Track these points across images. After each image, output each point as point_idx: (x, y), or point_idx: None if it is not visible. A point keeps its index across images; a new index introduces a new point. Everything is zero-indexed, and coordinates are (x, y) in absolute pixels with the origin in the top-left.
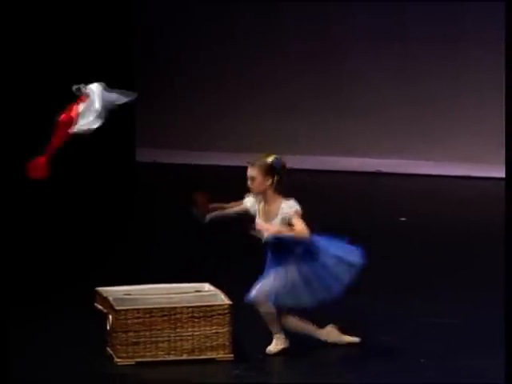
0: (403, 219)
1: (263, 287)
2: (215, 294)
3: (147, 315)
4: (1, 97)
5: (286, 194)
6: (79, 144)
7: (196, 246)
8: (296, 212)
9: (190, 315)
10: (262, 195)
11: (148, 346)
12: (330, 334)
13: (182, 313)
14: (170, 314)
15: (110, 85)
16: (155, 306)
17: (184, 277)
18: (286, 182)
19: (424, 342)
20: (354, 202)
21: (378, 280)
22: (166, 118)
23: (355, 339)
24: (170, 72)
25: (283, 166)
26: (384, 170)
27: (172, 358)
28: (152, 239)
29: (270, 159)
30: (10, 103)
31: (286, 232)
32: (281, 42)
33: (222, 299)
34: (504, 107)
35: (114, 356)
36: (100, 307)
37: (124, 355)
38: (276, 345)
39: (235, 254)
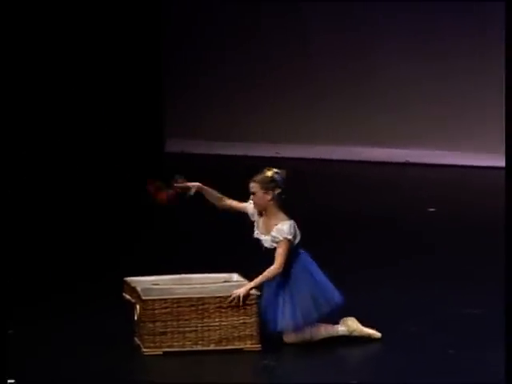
0: (432, 209)
1: (286, 319)
2: (243, 284)
3: (175, 305)
4: (27, 93)
5: (290, 212)
6: (109, 135)
7: (225, 236)
8: (283, 240)
9: (217, 305)
10: (265, 210)
11: (175, 335)
12: (351, 326)
13: (209, 303)
14: (198, 304)
15: (139, 79)
16: (183, 296)
17: (212, 267)
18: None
19: (452, 332)
20: (382, 193)
21: (407, 270)
22: (195, 110)
23: (377, 333)
24: (199, 66)
25: (284, 179)
26: (412, 160)
27: (199, 348)
28: (180, 229)
29: (269, 173)
30: (37, 98)
31: (257, 283)
32: (306, 33)
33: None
34: (504, 107)
35: (141, 346)
36: (128, 297)
37: (151, 345)
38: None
39: None
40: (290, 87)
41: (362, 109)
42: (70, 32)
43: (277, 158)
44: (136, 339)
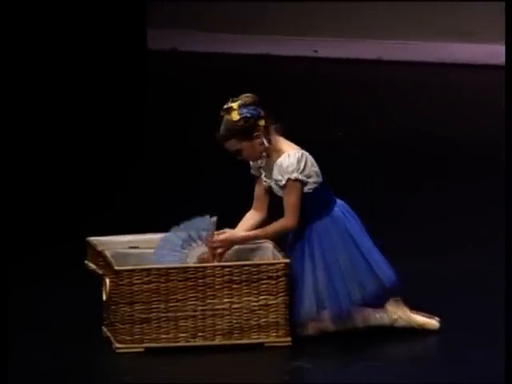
0: None
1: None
2: (265, 247)
3: (162, 278)
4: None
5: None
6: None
7: (241, 181)
8: (289, 183)
9: (226, 278)
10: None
11: (163, 324)
12: (396, 312)
13: (214, 275)
14: (197, 278)
15: None
16: (174, 265)
17: (220, 220)
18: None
19: None
20: (474, 107)
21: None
22: None
23: (433, 323)
24: None
25: (257, 103)
26: None
27: (199, 342)
28: (174, 163)
29: (235, 116)
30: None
31: (267, 233)
32: None
33: (276, 255)
34: None
35: (112, 340)
36: (92, 266)
37: (128, 339)
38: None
39: None
40: None
41: None
42: None
43: (314, 58)
44: (105, 330)
